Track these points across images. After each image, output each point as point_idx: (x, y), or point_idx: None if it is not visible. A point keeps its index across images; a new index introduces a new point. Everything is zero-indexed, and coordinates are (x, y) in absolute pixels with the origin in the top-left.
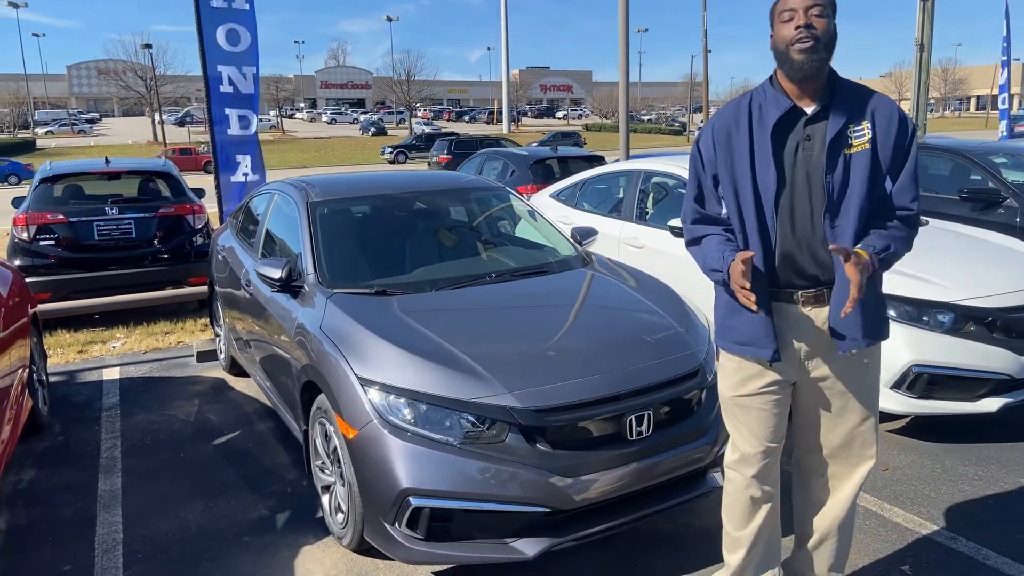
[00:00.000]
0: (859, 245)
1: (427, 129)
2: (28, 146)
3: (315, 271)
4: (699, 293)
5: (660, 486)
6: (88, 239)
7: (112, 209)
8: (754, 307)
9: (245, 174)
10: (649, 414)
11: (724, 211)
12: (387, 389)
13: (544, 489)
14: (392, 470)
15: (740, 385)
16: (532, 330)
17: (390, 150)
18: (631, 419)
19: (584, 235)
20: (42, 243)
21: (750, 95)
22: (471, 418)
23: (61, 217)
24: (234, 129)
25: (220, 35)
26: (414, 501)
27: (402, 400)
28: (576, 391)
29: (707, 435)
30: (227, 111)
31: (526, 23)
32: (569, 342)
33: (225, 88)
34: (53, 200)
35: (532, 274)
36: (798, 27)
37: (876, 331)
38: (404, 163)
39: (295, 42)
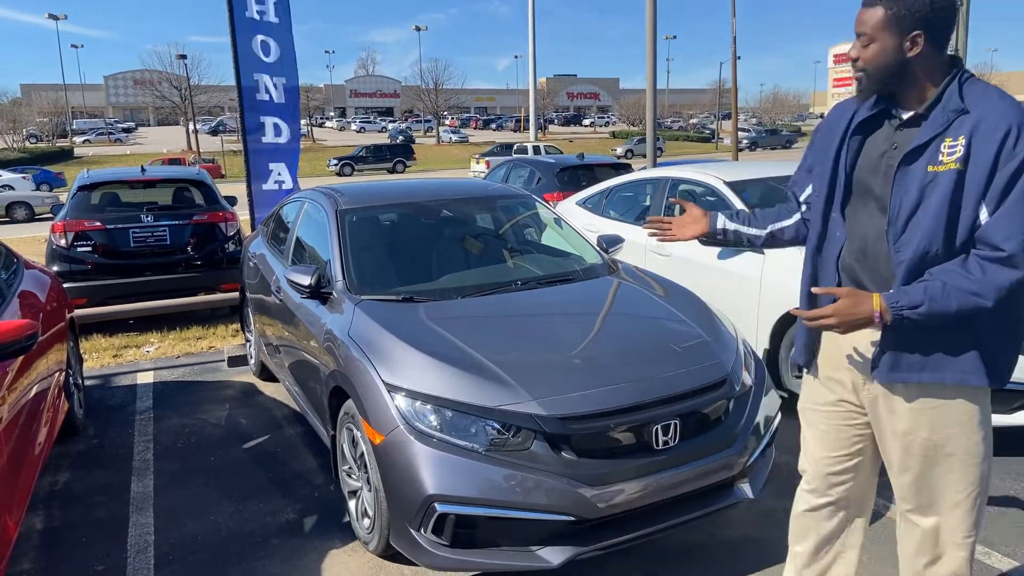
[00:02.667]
0: (889, 291)
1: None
2: (66, 155)
3: (344, 278)
4: (727, 302)
5: (687, 496)
6: (124, 246)
7: (147, 216)
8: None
9: (278, 182)
10: (675, 423)
11: (804, 194)
12: (413, 395)
13: (569, 497)
14: (418, 476)
15: (807, 397)
16: (558, 338)
17: (335, 162)
18: (657, 429)
19: (610, 243)
20: (79, 249)
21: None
22: (496, 425)
23: (98, 224)
24: (269, 137)
25: (256, 45)
26: (439, 507)
27: (428, 406)
28: (601, 399)
29: (734, 446)
30: (262, 119)
31: (553, 31)
32: (595, 350)
33: (262, 96)
34: (90, 208)
35: (558, 282)
36: (851, 59)
37: (922, 365)
38: (350, 175)
39: (325, 52)
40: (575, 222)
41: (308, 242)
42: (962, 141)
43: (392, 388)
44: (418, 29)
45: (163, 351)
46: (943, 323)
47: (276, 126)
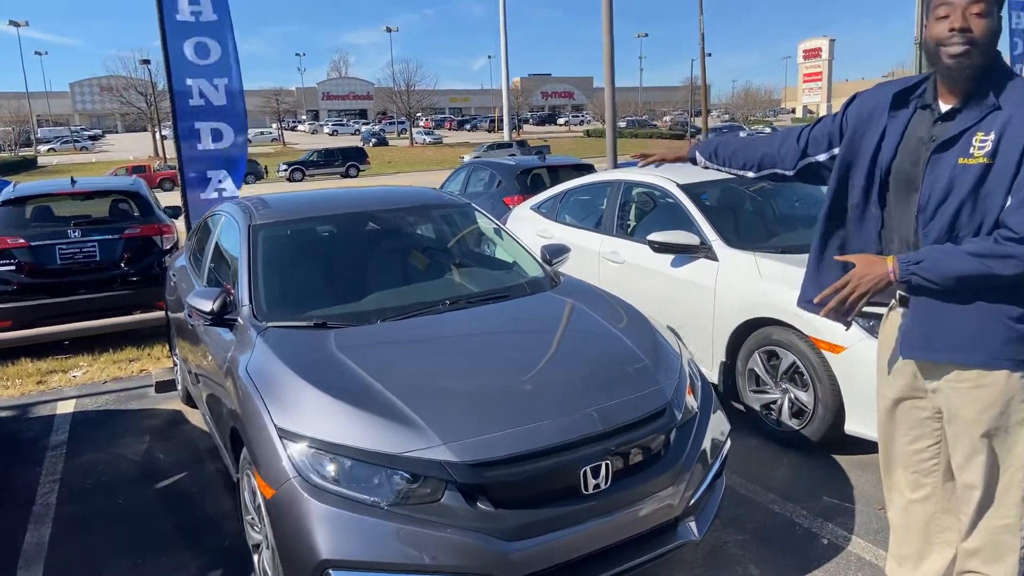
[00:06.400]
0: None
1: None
2: (29, 164)
3: (250, 302)
4: (681, 312)
5: (624, 543)
6: (50, 263)
7: (75, 231)
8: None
9: (219, 190)
10: (607, 464)
11: (780, 152)
12: (308, 442)
13: (484, 556)
14: (310, 538)
15: (878, 389)
16: (480, 367)
17: (285, 167)
18: (586, 470)
19: (554, 254)
20: (2, 268)
21: (909, 81)
22: (401, 475)
23: (22, 241)
24: (204, 144)
25: (188, 49)
26: (335, 574)
27: (325, 455)
28: (522, 440)
29: (676, 482)
30: (197, 125)
31: (528, 31)
32: (520, 381)
33: (195, 101)
34: (14, 223)
35: (490, 300)
36: (952, 29)
37: (950, 345)
38: (301, 180)
39: (296, 55)
40: (527, 228)
41: (222, 260)
42: (992, 137)
43: (285, 434)
44: (389, 30)
45: (91, 375)
46: (963, 294)
47: (215, 131)
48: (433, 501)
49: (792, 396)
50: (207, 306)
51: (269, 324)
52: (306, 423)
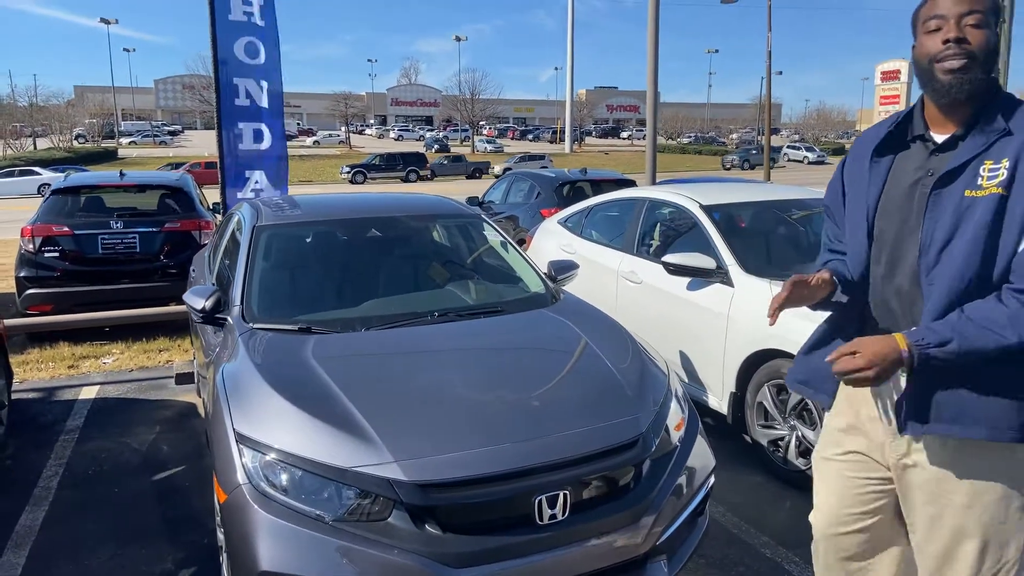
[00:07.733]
0: (912, 329)
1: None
2: (110, 155)
3: (241, 303)
4: (692, 338)
5: None
6: (92, 252)
7: (117, 223)
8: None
9: (256, 191)
10: (565, 494)
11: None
12: (263, 449)
13: None
14: (253, 548)
15: (820, 445)
16: (451, 383)
17: (348, 169)
18: (542, 499)
19: (561, 270)
20: (47, 255)
21: (902, 112)
22: (349, 490)
23: (66, 230)
24: (246, 144)
25: (238, 48)
26: None
27: (278, 464)
28: (473, 464)
29: (644, 518)
30: (240, 125)
31: (597, 43)
32: (488, 399)
33: (241, 101)
34: (62, 212)
35: (481, 314)
36: (947, 41)
37: (957, 417)
38: (362, 183)
39: (368, 60)
40: (553, 241)
41: (228, 258)
42: (1006, 164)
43: (242, 439)
44: (458, 39)
45: (120, 363)
46: (975, 364)
47: (257, 131)
48: (379, 520)
49: (800, 434)
50: (199, 304)
51: (255, 326)
52: (263, 430)
